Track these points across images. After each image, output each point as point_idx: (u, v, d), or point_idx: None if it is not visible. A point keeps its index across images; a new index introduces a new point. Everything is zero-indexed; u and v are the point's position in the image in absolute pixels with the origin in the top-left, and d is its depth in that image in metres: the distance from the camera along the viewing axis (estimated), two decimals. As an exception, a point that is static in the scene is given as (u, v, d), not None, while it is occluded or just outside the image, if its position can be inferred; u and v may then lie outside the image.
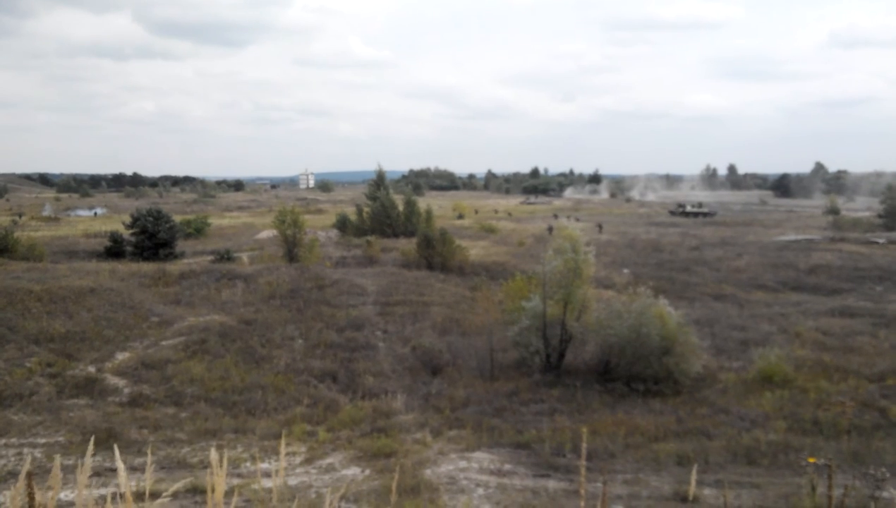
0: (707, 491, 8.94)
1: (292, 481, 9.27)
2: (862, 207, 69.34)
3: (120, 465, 1.94)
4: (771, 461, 10.19)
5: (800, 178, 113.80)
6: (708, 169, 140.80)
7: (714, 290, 23.99)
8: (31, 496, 1.70)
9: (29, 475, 1.76)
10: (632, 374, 13.67)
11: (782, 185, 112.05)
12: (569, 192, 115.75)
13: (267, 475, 9.44)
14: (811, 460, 7.37)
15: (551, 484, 9.53)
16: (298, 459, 10.29)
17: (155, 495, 2.09)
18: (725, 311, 20.86)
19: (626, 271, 26.79)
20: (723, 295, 23.28)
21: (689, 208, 61.89)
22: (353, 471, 9.94)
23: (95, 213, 63.08)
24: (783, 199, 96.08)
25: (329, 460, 10.38)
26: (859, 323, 18.95)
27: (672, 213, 61.65)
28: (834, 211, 59.42)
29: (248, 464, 10.06)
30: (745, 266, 28.68)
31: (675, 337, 13.68)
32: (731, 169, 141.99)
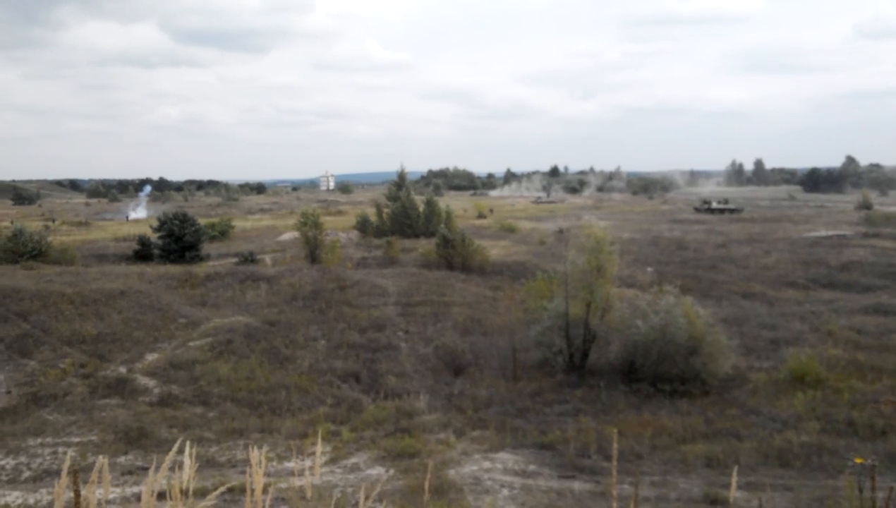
0: (738, 494, 8.75)
1: (317, 480, 9.35)
2: (896, 201, 67.07)
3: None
4: (804, 463, 9.95)
5: (830, 172, 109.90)
6: (734, 164, 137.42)
7: (742, 288, 23.45)
8: (76, 493, 1.74)
9: (74, 472, 1.81)
10: (658, 374, 13.45)
11: (811, 180, 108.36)
12: (510, 190, 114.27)
13: (293, 473, 9.54)
14: (858, 460, 7.14)
15: (577, 486, 9.44)
16: (323, 459, 10.38)
17: (195, 493, 2.11)
18: (754, 310, 20.37)
19: (650, 269, 26.36)
20: (751, 294, 22.74)
21: (714, 204, 60.49)
22: (377, 471, 9.99)
23: (127, 217, 64.53)
24: (813, 194, 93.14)
25: (353, 460, 10.45)
26: (894, 322, 18.33)
27: (697, 210, 60.36)
28: (866, 205, 57.52)
29: (274, 463, 10.18)
30: (774, 263, 27.96)
31: (703, 337, 13.42)
32: (758, 164, 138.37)
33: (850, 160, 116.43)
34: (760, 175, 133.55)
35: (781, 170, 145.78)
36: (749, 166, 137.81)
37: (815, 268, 26.63)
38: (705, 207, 60.50)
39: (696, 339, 13.37)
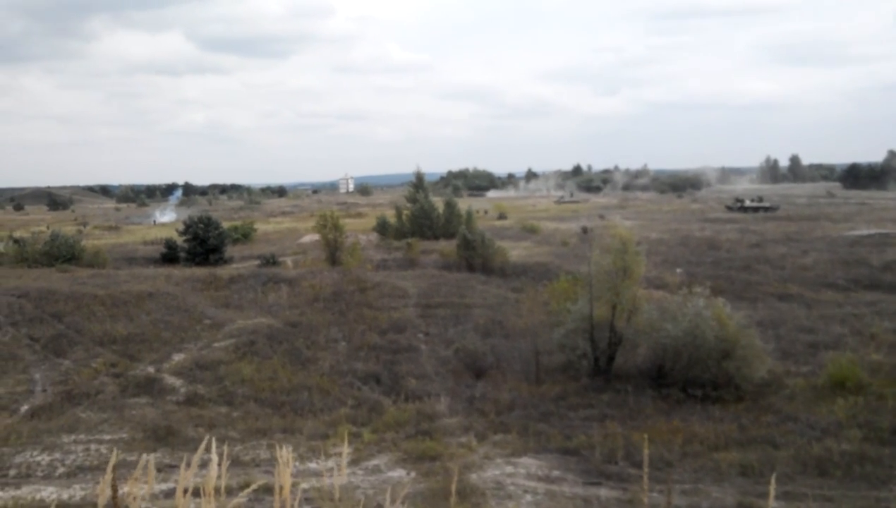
0: (775, 504, 8.38)
1: (339, 481, 9.29)
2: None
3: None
4: (845, 472, 9.56)
5: (871, 168, 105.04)
6: (768, 160, 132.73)
7: (778, 290, 22.66)
8: (114, 489, 1.69)
9: (113, 469, 1.75)
10: (688, 379, 13.04)
11: (851, 176, 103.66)
12: (525, 189, 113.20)
13: (316, 474, 9.50)
14: None
15: (603, 493, 9.18)
16: (345, 460, 10.33)
17: (220, 491, 2.04)
18: (791, 312, 19.67)
19: (679, 270, 25.71)
20: (788, 295, 21.96)
21: (748, 202, 58.60)
22: (398, 473, 9.89)
23: (154, 221, 66.18)
24: (853, 191, 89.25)
25: (375, 461, 10.37)
26: (942, 324, 17.45)
27: (729, 208, 58.60)
28: (909, 202, 54.87)
29: (297, 464, 10.17)
30: (812, 263, 26.96)
31: (736, 340, 12.96)
32: (794, 159, 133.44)
33: (893, 155, 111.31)
34: (797, 171, 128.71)
35: (819, 166, 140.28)
36: (784, 162, 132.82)
37: (857, 269, 25.56)
38: (738, 206, 58.57)
39: (728, 343, 12.93)
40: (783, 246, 31.90)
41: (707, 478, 9.51)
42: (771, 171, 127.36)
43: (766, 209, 56.17)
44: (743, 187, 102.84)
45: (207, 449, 2.01)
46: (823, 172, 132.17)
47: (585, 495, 9.11)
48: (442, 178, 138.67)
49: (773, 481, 2.31)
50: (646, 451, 2.38)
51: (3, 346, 16.75)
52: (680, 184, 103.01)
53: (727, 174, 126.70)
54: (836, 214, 49.90)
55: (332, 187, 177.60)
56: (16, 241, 33.24)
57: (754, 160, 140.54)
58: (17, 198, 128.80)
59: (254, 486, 2.27)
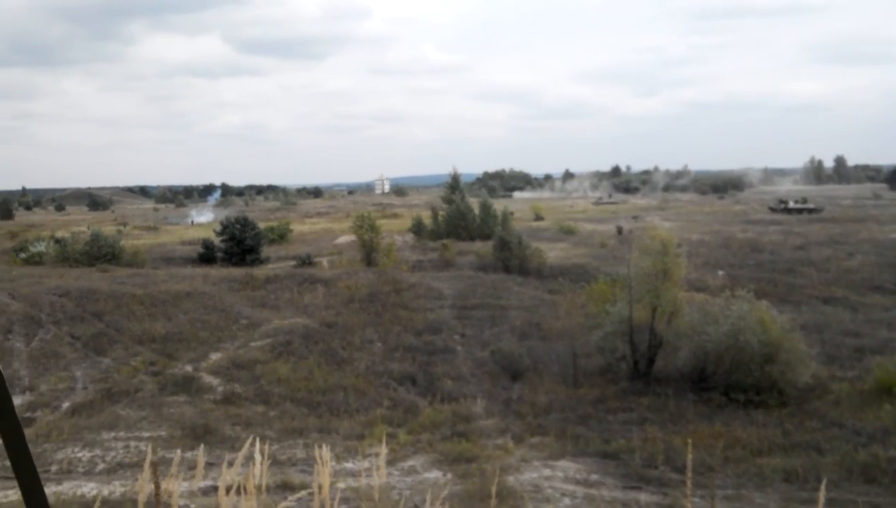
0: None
1: (375, 482, 9.32)
2: None
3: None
4: (892, 479, 9.32)
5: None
6: (812, 161, 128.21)
7: (823, 293, 21.85)
8: (156, 485, 1.71)
9: (154, 465, 1.78)
10: (730, 383, 12.69)
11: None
12: (527, 193, 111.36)
13: (352, 474, 9.57)
14: None
15: (643, 497, 8.99)
16: (383, 460, 10.37)
17: (261, 489, 2.06)
18: (836, 316, 18.95)
19: (720, 273, 24.98)
20: (833, 299, 21.15)
21: (791, 204, 56.81)
22: (434, 475, 9.88)
23: (192, 222, 67.90)
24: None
25: (410, 462, 10.39)
26: None
27: (773, 210, 56.85)
28: (962, 203, 52.04)
29: (333, 464, 10.26)
30: (858, 266, 25.88)
31: (779, 344, 12.56)
32: (839, 160, 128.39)
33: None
34: (842, 172, 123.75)
35: (865, 167, 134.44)
36: (829, 163, 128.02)
37: (905, 272, 24.39)
38: (782, 207, 56.83)
39: (772, 346, 12.55)
40: (828, 248, 30.70)
41: (750, 484, 9.30)
42: (815, 172, 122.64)
43: (810, 211, 54.28)
44: (786, 188, 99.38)
45: (251, 448, 2.02)
46: (869, 173, 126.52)
47: (625, 499, 8.94)
48: (478, 179, 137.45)
49: (822, 488, 2.20)
50: (689, 456, 2.29)
51: (45, 344, 17.40)
52: (721, 186, 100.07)
53: (770, 175, 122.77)
54: (882, 216, 47.73)
55: (368, 188, 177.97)
56: (57, 241, 34.45)
57: (798, 161, 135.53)
58: (59, 199, 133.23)
59: (304, 492, 2.26)
